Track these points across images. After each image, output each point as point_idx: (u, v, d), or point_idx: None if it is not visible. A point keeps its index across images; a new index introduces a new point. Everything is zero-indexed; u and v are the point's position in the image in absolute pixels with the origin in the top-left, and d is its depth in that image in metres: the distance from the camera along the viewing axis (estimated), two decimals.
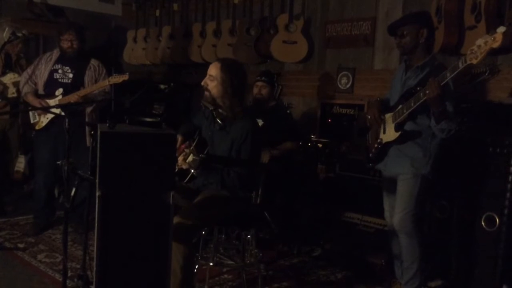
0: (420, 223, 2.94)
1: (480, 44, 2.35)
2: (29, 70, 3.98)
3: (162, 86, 5.24)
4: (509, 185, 2.82)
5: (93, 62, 4.04)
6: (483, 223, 2.95)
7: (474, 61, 2.37)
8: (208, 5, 5.21)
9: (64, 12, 5.65)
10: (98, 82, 3.96)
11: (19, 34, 4.05)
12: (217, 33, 5.00)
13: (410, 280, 2.94)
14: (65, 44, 3.89)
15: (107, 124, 2.05)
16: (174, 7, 5.45)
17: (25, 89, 3.92)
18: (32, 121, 3.98)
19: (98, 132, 2.01)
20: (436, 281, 3.22)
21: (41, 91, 3.92)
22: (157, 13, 5.62)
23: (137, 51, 5.84)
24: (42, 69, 3.93)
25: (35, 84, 3.94)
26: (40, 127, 3.93)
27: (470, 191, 3.02)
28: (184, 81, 5.51)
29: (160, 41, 5.56)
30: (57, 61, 3.96)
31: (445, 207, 3.16)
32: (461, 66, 2.44)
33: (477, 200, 2.98)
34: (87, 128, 3.90)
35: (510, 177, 2.82)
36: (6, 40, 4.06)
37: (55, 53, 4.01)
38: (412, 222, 2.85)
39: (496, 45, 2.29)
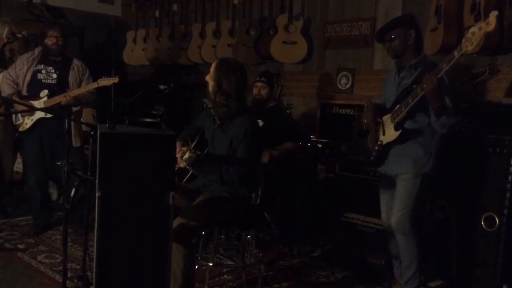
0: (418, 224, 2.93)
1: (474, 31, 2.34)
2: (10, 71, 3.93)
3: (161, 87, 5.23)
4: (509, 185, 2.82)
5: (76, 62, 4.02)
6: (483, 223, 2.95)
7: (470, 48, 2.35)
8: (208, 5, 5.21)
9: (63, 13, 5.64)
10: (82, 82, 3.96)
11: (19, 35, 4.04)
12: (216, 33, 5.00)
13: (409, 281, 2.94)
14: (50, 41, 3.86)
15: (107, 125, 2.06)
16: (174, 7, 5.45)
17: (8, 90, 3.85)
18: (15, 122, 3.94)
19: (98, 133, 2.01)
20: (436, 281, 3.22)
21: (24, 92, 3.87)
22: (157, 14, 5.62)
23: (136, 51, 5.83)
24: (24, 69, 3.88)
25: (17, 85, 3.89)
26: (24, 129, 3.89)
27: (470, 191, 3.02)
28: (184, 81, 5.51)
29: (160, 41, 5.56)
30: (39, 62, 3.91)
31: (445, 207, 3.16)
32: (457, 55, 2.43)
33: (477, 200, 2.98)
34: (72, 128, 3.87)
35: (510, 177, 2.82)
36: (5, 41, 4.05)
37: (36, 53, 3.96)
38: (409, 223, 2.84)
39: (490, 28, 2.28)
